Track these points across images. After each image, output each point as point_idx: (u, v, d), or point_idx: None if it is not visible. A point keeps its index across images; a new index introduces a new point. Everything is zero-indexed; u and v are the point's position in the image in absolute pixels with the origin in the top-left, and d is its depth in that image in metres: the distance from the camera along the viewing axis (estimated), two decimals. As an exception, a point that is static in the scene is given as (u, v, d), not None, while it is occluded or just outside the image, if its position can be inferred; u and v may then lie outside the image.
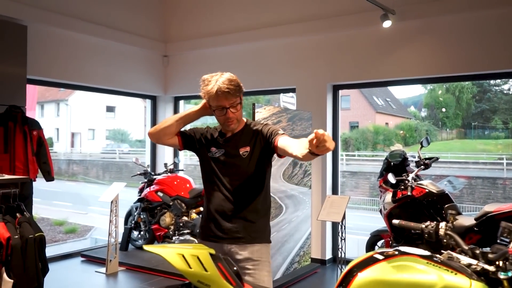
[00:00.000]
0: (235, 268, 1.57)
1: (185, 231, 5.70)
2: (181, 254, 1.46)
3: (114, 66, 6.65)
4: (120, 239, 5.91)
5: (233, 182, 2.37)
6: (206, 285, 1.44)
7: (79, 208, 15.05)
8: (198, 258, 1.46)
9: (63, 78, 6.04)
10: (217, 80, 2.27)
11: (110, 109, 30.86)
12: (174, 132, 2.43)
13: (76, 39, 6.11)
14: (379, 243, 4.89)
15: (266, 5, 6.42)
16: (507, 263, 1.65)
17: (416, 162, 4.64)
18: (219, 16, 6.90)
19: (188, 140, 2.48)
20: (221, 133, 2.47)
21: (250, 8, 6.58)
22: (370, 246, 4.92)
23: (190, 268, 1.44)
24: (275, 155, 2.41)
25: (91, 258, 6.00)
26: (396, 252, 1.79)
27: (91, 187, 20.21)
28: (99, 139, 30.33)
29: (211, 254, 1.50)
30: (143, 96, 7.62)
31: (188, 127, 2.59)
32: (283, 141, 2.26)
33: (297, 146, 2.11)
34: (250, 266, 2.34)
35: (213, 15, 6.96)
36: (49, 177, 5.14)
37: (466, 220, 3.85)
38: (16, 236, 2.80)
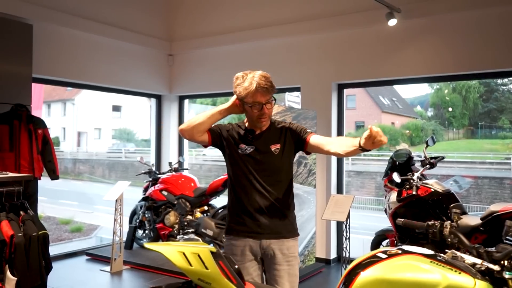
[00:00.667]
0: (236, 266, 1.56)
1: (190, 230, 5.70)
2: (181, 252, 1.45)
3: (119, 65, 6.67)
4: (124, 238, 5.92)
5: (266, 178, 2.44)
6: (207, 283, 1.43)
7: (85, 207, 15.12)
8: (199, 256, 1.45)
9: (68, 77, 6.07)
10: (253, 77, 2.35)
11: (116, 108, 30.94)
12: (206, 129, 2.46)
13: (81, 38, 6.13)
14: (384, 243, 4.86)
15: (271, 3, 6.40)
16: (512, 262, 1.63)
17: (421, 161, 4.60)
18: (223, 14, 6.89)
19: (215, 137, 2.51)
20: (249, 130, 2.52)
21: (255, 6, 6.57)
22: (375, 245, 4.89)
23: (191, 266, 1.43)
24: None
25: (96, 256, 6.01)
26: (400, 251, 1.77)
27: (97, 186, 20.28)
28: (105, 138, 30.43)
29: (212, 252, 1.49)
30: (148, 95, 7.63)
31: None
32: (316, 139, 2.43)
33: (336, 144, 2.32)
34: (285, 262, 2.45)
35: (218, 14, 6.95)
36: (54, 175, 5.16)
37: (472, 219, 3.82)
38: (20, 234, 2.80)
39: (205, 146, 2.56)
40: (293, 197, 2.59)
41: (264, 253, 2.45)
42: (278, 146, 2.48)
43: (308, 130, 2.52)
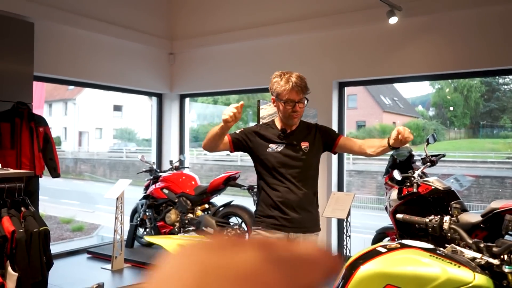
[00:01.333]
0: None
1: (190, 228, 5.70)
2: (181, 244, 1.45)
3: (120, 63, 6.67)
4: (125, 236, 5.93)
5: (296, 175, 2.58)
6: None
7: (86, 207, 15.14)
8: (198, 248, 1.45)
9: (69, 75, 6.07)
10: (290, 76, 2.54)
11: (117, 108, 30.99)
12: (218, 143, 2.57)
13: (83, 36, 6.14)
14: (385, 241, 4.86)
15: (271, 2, 6.40)
16: (511, 256, 1.63)
17: (422, 159, 4.60)
18: (224, 13, 6.90)
19: (238, 144, 2.66)
20: (280, 129, 2.66)
21: (255, 5, 6.57)
22: (376, 243, 4.89)
23: (190, 258, 1.43)
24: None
25: (97, 254, 6.02)
26: (399, 245, 1.77)
27: (98, 185, 20.31)
28: (107, 138, 30.47)
29: (211, 245, 1.49)
30: (149, 94, 7.64)
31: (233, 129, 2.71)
32: (345, 141, 2.69)
33: (365, 145, 2.58)
34: None
35: (219, 13, 6.96)
36: (55, 173, 5.17)
37: (473, 216, 3.82)
38: (21, 230, 2.81)
39: (231, 152, 2.72)
40: (317, 193, 2.75)
41: None
42: (308, 144, 2.64)
43: (335, 131, 2.79)
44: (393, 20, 5.13)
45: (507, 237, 2.42)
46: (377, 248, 1.78)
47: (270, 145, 2.62)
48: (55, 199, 14.69)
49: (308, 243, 0.33)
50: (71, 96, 28.81)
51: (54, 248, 6.23)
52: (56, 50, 5.83)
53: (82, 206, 15.30)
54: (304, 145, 2.64)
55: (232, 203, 5.61)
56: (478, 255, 1.74)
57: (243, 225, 5.39)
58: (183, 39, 7.30)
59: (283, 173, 2.58)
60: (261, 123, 2.84)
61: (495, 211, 3.56)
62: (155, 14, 7.23)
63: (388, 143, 2.43)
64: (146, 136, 30.56)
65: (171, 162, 6.58)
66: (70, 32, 5.96)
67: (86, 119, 29.23)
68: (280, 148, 2.60)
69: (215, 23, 6.95)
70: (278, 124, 2.70)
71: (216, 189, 5.74)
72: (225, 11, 6.90)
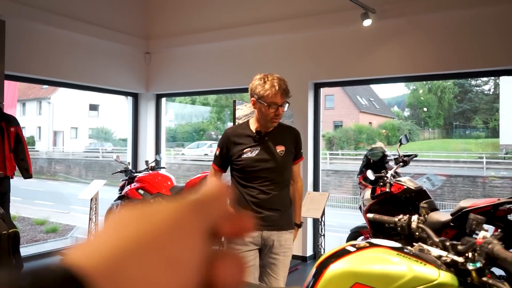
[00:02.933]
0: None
1: (166, 229, 5.67)
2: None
3: (95, 62, 6.58)
4: (100, 237, 5.85)
5: (270, 177, 2.64)
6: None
7: (60, 208, 14.86)
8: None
9: (43, 75, 5.96)
10: (274, 79, 2.58)
11: (93, 107, 30.53)
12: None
13: (56, 35, 6.03)
14: (359, 239, 4.93)
15: (248, 3, 6.42)
16: (475, 254, 1.68)
17: (395, 159, 4.69)
18: (201, 13, 6.88)
19: (225, 164, 2.74)
20: (255, 131, 2.68)
21: (232, 5, 6.58)
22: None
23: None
24: None
25: (71, 256, 5.92)
26: (368, 244, 1.81)
27: (73, 186, 19.96)
28: (82, 137, 29.98)
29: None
30: (125, 93, 7.56)
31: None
32: (296, 169, 2.84)
33: (293, 191, 2.82)
34: (282, 253, 2.69)
35: (196, 12, 6.94)
36: (27, 174, 5.07)
37: (443, 215, 3.92)
38: (-10, 232, 2.76)
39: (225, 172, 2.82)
40: (290, 193, 2.83)
41: (263, 244, 2.65)
42: (283, 148, 2.69)
43: (301, 152, 2.86)
44: (367, 22, 5.21)
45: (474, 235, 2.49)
46: (347, 247, 1.82)
47: (245, 150, 2.64)
48: (28, 200, 14.38)
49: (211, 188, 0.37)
50: (46, 95, 28.24)
51: (27, 250, 6.10)
52: (29, 48, 5.71)
53: (57, 207, 15.01)
54: (280, 148, 2.68)
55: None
56: (444, 253, 1.79)
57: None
58: (159, 39, 7.25)
59: (257, 176, 2.63)
60: (237, 123, 2.83)
61: (464, 210, 3.66)
62: (131, 13, 7.16)
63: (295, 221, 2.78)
64: (123, 136, 30.20)
65: (146, 162, 6.52)
66: (43, 30, 5.85)
67: (61, 119, 28.68)
68: (255, 152, 2.64)
69: (192, 22, 6.93)
70: (253, 126, 2.71)
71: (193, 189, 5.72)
72: (202, 10, 6.89)
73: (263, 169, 2.63)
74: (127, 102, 7.80)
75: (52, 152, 27.66)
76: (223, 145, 2.71)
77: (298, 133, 2.85)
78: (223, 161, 2.71)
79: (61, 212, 14.10)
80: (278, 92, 2.55)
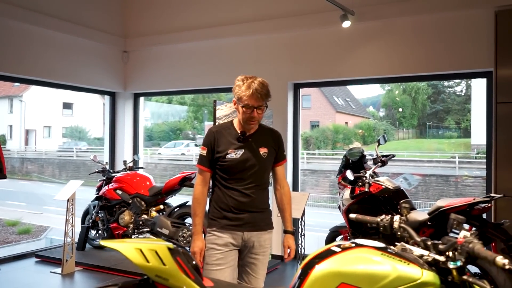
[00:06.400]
0: (194, 262, 1.56)
1: (145, 230, 5.61)
2: (138, 248, 1.44)
3: (72, 61, 6.46)
4: (76, 239, 5.76)
5: (252, 178, 2.66)
6: (164, 279, 1.43)
7: (33, 208, 14.54)
8: (156, 252, 1.45)
9: (16, 72, 5.81)
10: (253, 82, 2.56)
11: (67, 106, 29.93)
12: (205, 196, 2.71)
13: (32, 32, 5.89)
14: (338, 239, 4.98)
15: (228, 2, 6.41)
16: (456, 253, 1.73)
17: (373, 159, 4.77)
18: (180, 12, 6.83)
19: (211, 164, 2.71)
20: (240, 132, 2.68)
21: (211, 5, 6.56)
22: (329, 242, 5.00)
23: (148, 262, 1.42)
24: None
25: (46, 258, 5.81)
26: (353, 245, 1.83)
27: (47, 186, 19.55)
28: (56, 136, 29.37)
29: (169, 249, 1.49)
30: (102, 92, 7.45)
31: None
32: (280, 169, 2.84)
33: (281, 195, 2.83)
34: (261, 252, 2.73)
35: (174, 11, 6.89)
36: (1, 174, 4.93)
37: (420, 215, 4.00)
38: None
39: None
40: (268, 193, 2.85)
41: (244, 245, 2.68)
42: (266, 150, 2.72)
43: (284, 154, 2.87)
44: (346, 24, 5.27)
45: (452, 234, 2.55)
46: (332, 248, 1.84)
47: (230, 151, 2.64)
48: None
49: None
50: (17, 93, 27.56)
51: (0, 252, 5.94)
52: (2, 46, 5.56)
53: (29, 207, 14.67)
54: (263, 150, 2.70)
55: (187, 204, 5.58)
56: (425, 252, 1.83)
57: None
58: (137, 37, 7.16)
59: (240, 178, 2.64)
60: (218, 123, 2.82)
61: (441, 209, 3.75)
62: (108, 11, 7.06)
63: (284, 227, 2.83)
64: (98, 135, 29.73)
65: (124, 162, 6.44)
66: (16, 27, 5.71)
67: (33, 117, 28.03)
68: (239, 154, 2.64)
69: (171, 21, 6.88)
70: (237, 126, 2.72)
71: (172, 189, 5.68)
72: (181, 10, 6.84)
73: (246, 170, 2.64)
74: (103, 100, 7.68)
75: (24, 151, 27.02)
76: (209, 143, 2.69)
77: (280, 135, 2.87)
78: (210, 160, 2.69)
79: (34, 213, 13.81)
80: (254, 95, 2.53)
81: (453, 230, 1.81)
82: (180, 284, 1.45)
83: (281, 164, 2.85)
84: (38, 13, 5.86)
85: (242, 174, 2.64)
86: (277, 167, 2.83)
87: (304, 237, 4.67)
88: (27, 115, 27.91)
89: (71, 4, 6.40)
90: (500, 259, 1.57)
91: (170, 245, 1.51)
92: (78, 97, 27.71)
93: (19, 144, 27.47)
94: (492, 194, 3.87)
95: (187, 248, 4.69)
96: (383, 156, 4.77)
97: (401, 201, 4.21)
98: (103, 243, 1.48)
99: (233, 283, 2.59)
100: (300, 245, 4.65)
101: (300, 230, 4.66)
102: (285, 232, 2.81)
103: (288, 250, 2.79)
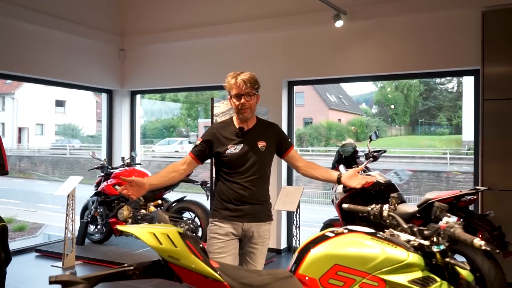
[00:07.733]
0: (201, 245, 1.72)
1: (143, 224, 5.74)
2: (152, 232, 1.60)
3: (69, 59, 6.56)
4: (76, 233, 5.88)
5: (252, 172, 2.78)
6: (176, 259, 1.59)
7: (27, 206, 14.58)
8: (168, 236, 1.60)
9: (12, 70, 5.88)
10: (239, 75, 2.73)
11: (60, 103, 29.88)
12: (177, 172, 2.76)
13: (29, 30, 5.98)
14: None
15: (223, 2, 6.54)
16: (439, 238, 1.89)
17: (365, 154, 4.94)
18: (176, 11, 6.96)
19: (202, 154, 2.82)
20: (238, 127, 2.81)
21: (207, 4, 6.68)
22: (323, 234, 5.17)
23: (161, 244, 1.58)
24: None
25: (47, 253, 5.93)
26: (345, 230, 2.00)
27: (40, 183, 19.56)
28: (48, 134, 29.31)
29: (179, 233, 1.64)
30: (99, 90, 7.55)
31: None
32: (294, 153, 2.97)
33: (314, 168, 2.92)
34: (260, 242, 2.85)
35: (170, 10, 7.01)
36: (3, 170, 5.03)
37: (410, 207, 4.18)
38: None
39: (200, 164, 2.88)
40: (269, 187, 2.96)
41: (244, 235, 2.81)
42: (264, 144, 2.82)
43: (289, 141, 2.98)
44: (339, 23, 5.43)
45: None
46: (326, 233, 2.00)
47: (229, 146, 2.77)
48: (-8, 198, 14.06)
49: None
50: (9, 90, 27.47)
51: None
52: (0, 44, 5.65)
53: (23, 205, 14.70)
54: (261, 144, 2.81)
55: (185, 199, 5.72)
56: (412, 237, 2.00)
57: (196, 219, 5.51)
58: (134, 35, 7.28)
59: (240, 171, 2.77)
60: (218, 121, 2.95)
61: (429, 201, 3.93)
62: (105, 10, 7.16)
63: (339, 180, 2.81)
64: (91, 132, 29.70)
65: (122, 158, 6.57)
66: (12, 25, 5.78)
67: (26, 115, 27.96)
68: (238, 148, 2.76)
69: (167, 20, 7.00)
70: (236, 122, 2.85)
71: (169, 185, 5.80)
72: (177, 8, 6.96)
73: (245, 164, 2.76)
74: (97, 99, 7.78)
75: (16, 149, 26.95)
76: (208, 137, 2.82)
77: (279, 127, 3.01)
78: (202, 153, 2.81)
79: (28, 210, 13.85)
80: (239, 82, 2.69)
81: (436, 216, 1.97)
82: (190, 264, 1.61)
83: (290, 150, 2.95)
84: (35, 12, 5.95)
85: (242, 168, 2.76)
86: (289, 154, 2.94)
87: (299, 229, 4.83)
88: (19, 112, 27.83)
89: (68, 3, 6.49)
90: (477, 241, 1.74)
91: (180, 229, 1.66)
92: (71, 94, 27.69)
93: (12, 142, 27.39)
94: (478, 187, 4.06)
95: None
96: (374, 151, 4.93)
97: (391, 194, 4.38)
98: (121, 228, 1.63)
99: (241, 266, 2.76)
100: (295, 237, 4.82)
101: (295, 222, 4.82)
102: (338, 177, 2.82)
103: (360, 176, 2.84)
